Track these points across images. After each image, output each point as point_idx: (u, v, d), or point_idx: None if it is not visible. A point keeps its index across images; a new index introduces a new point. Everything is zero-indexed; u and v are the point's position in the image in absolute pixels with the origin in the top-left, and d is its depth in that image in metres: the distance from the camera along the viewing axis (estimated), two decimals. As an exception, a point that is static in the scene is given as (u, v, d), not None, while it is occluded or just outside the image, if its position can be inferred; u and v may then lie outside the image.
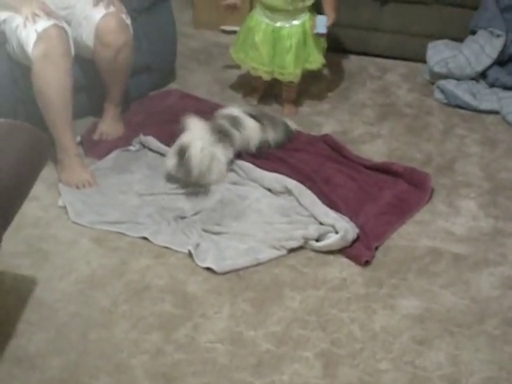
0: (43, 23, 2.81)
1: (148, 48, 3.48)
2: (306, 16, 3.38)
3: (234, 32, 3.59)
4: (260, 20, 3.41)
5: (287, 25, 3.38)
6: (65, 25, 2.93)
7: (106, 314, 2.41)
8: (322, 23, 3.32)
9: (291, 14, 3.36)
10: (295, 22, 3.38)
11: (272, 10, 3.36)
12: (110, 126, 3.30)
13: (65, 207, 2.85)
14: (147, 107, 3.54)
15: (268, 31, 3.39)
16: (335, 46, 3.97)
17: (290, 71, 3.43)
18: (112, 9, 3.04)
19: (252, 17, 3.44)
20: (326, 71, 3.86)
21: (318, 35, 3.38)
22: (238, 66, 3.64)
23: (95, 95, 3.33)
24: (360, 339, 2.34)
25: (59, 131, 2.93)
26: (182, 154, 2.87)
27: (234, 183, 2.99)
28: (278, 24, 3.38)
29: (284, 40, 3.38)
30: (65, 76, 2.85)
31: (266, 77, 3.47)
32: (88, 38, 3.05)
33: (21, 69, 3.00)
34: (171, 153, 2.94)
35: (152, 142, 3.19)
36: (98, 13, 3.02)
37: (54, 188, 2.96)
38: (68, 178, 2.97)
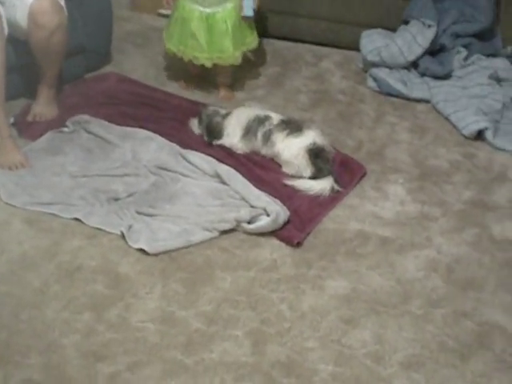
0: (-25, 3, 2.79)
1: (83, 30, 3.45)
2: None
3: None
4: (192, 8, 3.38)
5: (220, 9, 3.38)
6: (-2, 5, 2.90)
7: (38, 294, 2.42)
8: (249, 5, 3.36)
9: None
10: (228, 5, 3.39)
11: None
12: (44, 107, 3.28)
13: (-3, 188, 2.84)
14: (83, 89, 3.52)
15: (202, 18, 3.38)
16: (272, 33, 4.01)
17: (229, 54, 3.44)
18: (46, -11, 3.01)
19: (184, 7, 3.41)
20: (262, 57, 3.90)
21: (246, 18, 3.42)
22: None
23: (29, 76, 3.30)
24: (289, 319, 2.39)
25: (-10, 112, 2.91)
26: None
27: (166, 168, 2.99)
28: (211, 9, 3.38)
29: (220, 24, 3.38)
30: (-4, 55, 2.83)
31: (208, 63, 3.46)
32: (21, 18, 3.02)
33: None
34: None
35: (91, 120, 3.20)
36: (32, -7, 2.99)
37: (-14, 169, 2.94)
38: (0, 160, 2.95)
